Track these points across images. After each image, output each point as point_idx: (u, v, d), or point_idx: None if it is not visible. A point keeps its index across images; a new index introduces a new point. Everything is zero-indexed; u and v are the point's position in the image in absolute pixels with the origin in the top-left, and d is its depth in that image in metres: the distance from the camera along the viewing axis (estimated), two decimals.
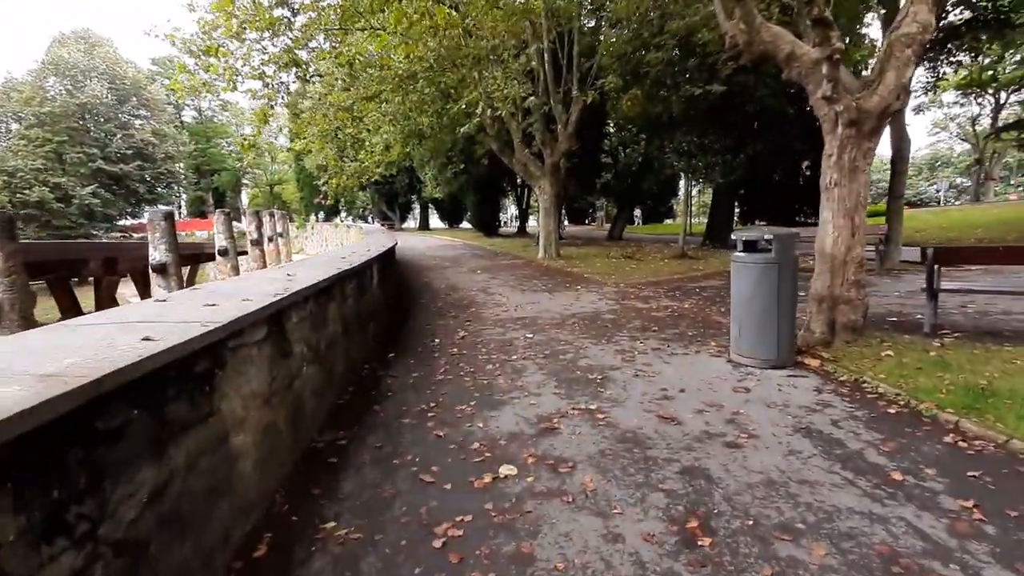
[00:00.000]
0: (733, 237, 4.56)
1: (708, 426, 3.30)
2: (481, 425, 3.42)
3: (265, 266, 18.79)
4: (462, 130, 8.77)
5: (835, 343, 4.81)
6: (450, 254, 18.02)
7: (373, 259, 5.63)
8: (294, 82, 13.14)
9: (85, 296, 15.30)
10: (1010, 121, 21.70)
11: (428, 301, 8.50)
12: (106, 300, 15.30)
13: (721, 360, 4.72)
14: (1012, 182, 52.51)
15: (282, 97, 12.89)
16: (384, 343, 5.67)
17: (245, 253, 22.27)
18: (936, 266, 5.14)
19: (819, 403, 3.64)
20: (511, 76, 11.13)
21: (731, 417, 3.43)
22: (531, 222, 34.73)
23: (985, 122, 33.29)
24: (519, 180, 29.90)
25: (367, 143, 15.56)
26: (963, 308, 6.34)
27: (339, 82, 12.90)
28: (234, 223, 22.09)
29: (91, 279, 14.72)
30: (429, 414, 3.65)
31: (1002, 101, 31.88)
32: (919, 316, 5.92)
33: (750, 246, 4.51)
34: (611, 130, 24.37)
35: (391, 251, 8.08)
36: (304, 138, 14.52)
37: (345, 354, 4.23)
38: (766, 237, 4.24)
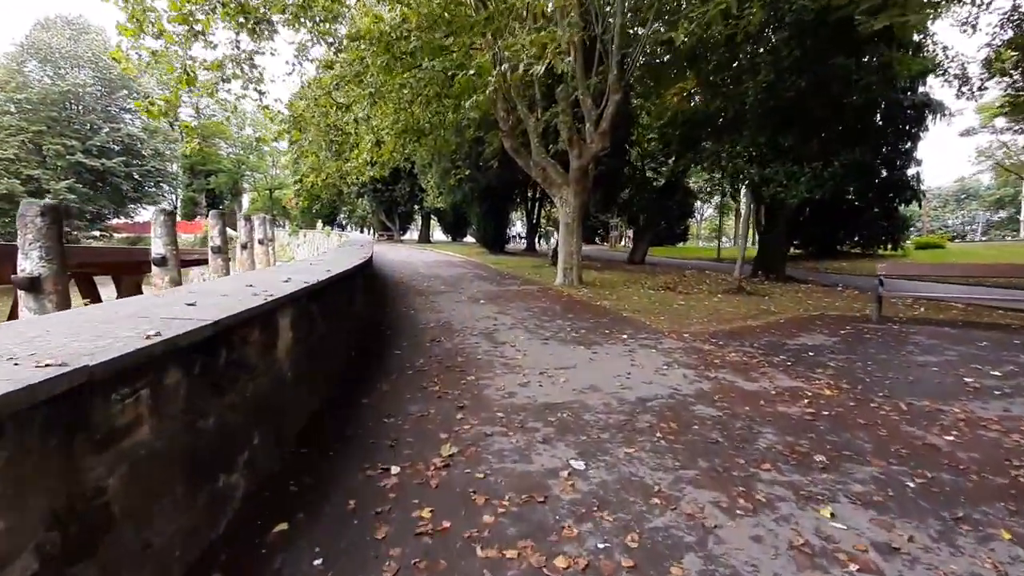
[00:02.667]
0: None
1: None
2: None
3: (228, 274, 16.01)
4: (467, 105, 6.21)
5: None
6: (448, 274, 15.19)
7: (269, 305, 2.77)
8: (260, 51, 10.50)
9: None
10: None
11: (405, 354, 5.62)
12: None
13: None
14: None
15: (243, 69, 10.23)
16: (284, 479, 2.77)
17: (203, 262, 19.39)
18: None
19: None
20: (534, 28, 8.38)
21: None
22: (540, 240, 31.98)
23: None
24: (530, 191, 27.27)
25: (353, 135, 12.86)
26: None
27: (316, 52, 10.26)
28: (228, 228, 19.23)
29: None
30: None
31: None
32: None
33: None
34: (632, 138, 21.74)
35: (349, 274, 5.23)
36: (275, 122, 11.83)
37: None
38: None
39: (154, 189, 41.75)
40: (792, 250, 26.28)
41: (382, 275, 14.44)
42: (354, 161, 13.58)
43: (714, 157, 10.13)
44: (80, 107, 35.27)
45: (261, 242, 22.68)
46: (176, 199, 56.88)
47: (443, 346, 5.98)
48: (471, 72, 5.96)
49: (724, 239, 68.97)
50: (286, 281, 3.52)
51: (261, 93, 11.09)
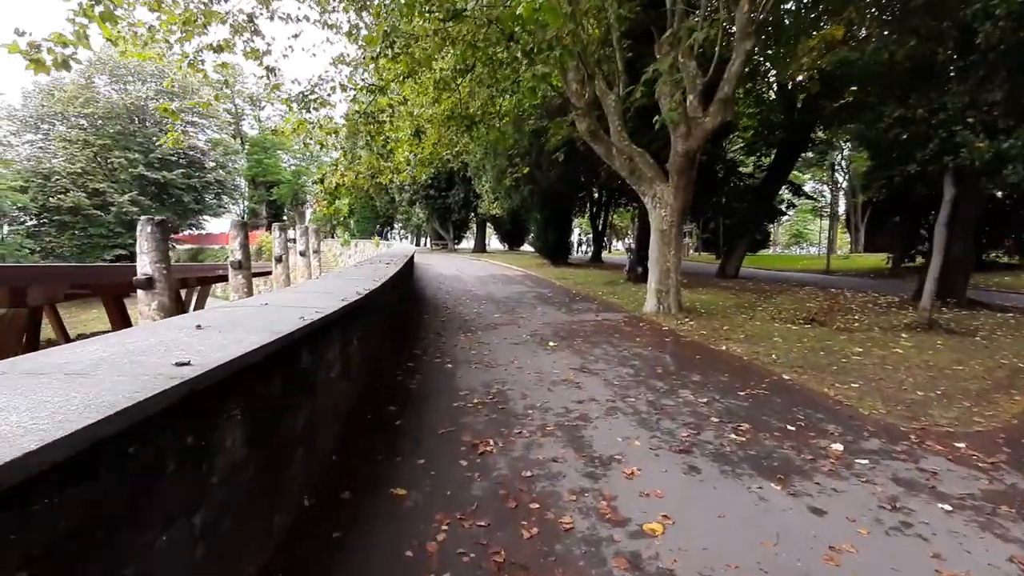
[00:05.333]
0: None
1: None
2: None
3: (251, 294, 14.07)
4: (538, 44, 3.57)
5: None
6: (505, 293, 12.38)
7: None
8: (265, 14, 8.25)
9: None
10: None
11: (415, 501, 2.77)
12: None
13: None
14: None
15: (242, 36, 8.00)
16: None
17: (222, 279, 17.57)
18: None
19: None
20: None
21: None
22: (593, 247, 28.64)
23: None
24: (596, 192, 24.16)
25: (387, 124, 10.38)
26: None
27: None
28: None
29: None
30: None
31: None
32: None
33: None
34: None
35: (305, 334, 2.46)
36: (293, 110, 9.55)
37: None
38: None
39: (215, 201, 42.02)
40: (920, 260, 21.51)
41: (422, 296, 11.87)
42: (399, 157, 11.20)
43: (902, 126, 6.69)
44: (146, 121, 35.76)
45: (303, 254, 20.95)
46: (242, 210, 57.98)
47: (493, 471, 3.09)
48: None
49: (806, 246, 62.22)
50: None
51: (270, 70, 8.82)
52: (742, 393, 4.61)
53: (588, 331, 7.60)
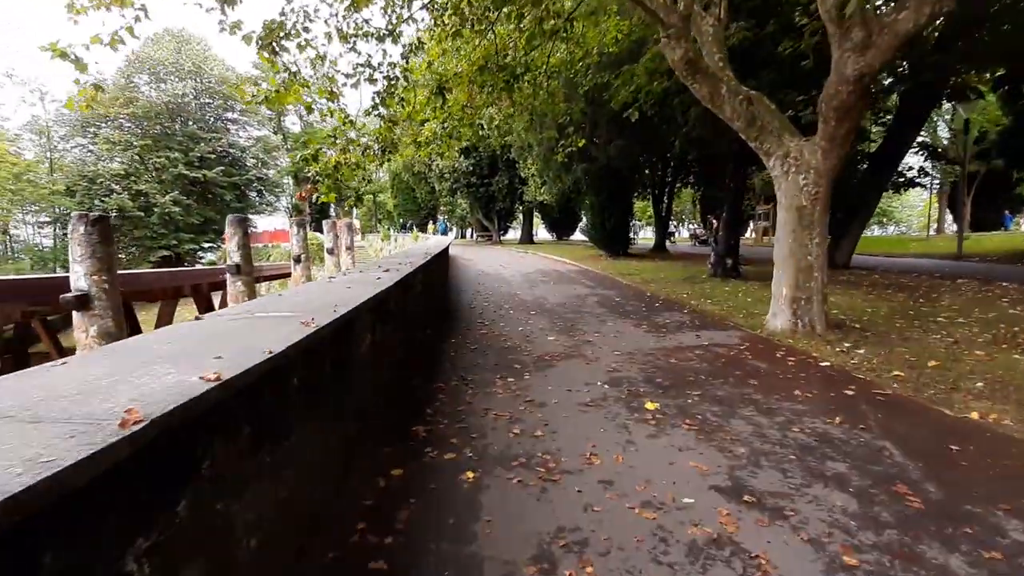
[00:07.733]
0: None
1: None
2: None
3: (252, 296, 11.88)
4: None
5: None
6: (559, 298, 9.64)
7: None
8: None
9: None
10: None
11: None
12: None
13: None
14: None
15: None
16: None
17: (218, 287, 15.61)
18: None
19: None
20: None
21: None
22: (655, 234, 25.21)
23: None
24: (660, 168, 20.89)
25: (401, 82, 7.84)
26: None
27: None
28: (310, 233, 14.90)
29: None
30: None
31: None
32: None
33: None
34: None
35: None
36: (274, 68, 7.18)
37: None
38: None
39: (258, 198, 41.39)
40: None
41: (454, 308, 9.31)
42: (424, 128, 8.73)
43: None
44: (188, 120, 35.24)
45: (331, 252, 19.00)
46: (287, 207, 57.80)
47: None
48: None
49: (894, 227, 55.38)
50: None
51: (227, 2, 6.42)
52: None
53: (699, 369, 4.77)
